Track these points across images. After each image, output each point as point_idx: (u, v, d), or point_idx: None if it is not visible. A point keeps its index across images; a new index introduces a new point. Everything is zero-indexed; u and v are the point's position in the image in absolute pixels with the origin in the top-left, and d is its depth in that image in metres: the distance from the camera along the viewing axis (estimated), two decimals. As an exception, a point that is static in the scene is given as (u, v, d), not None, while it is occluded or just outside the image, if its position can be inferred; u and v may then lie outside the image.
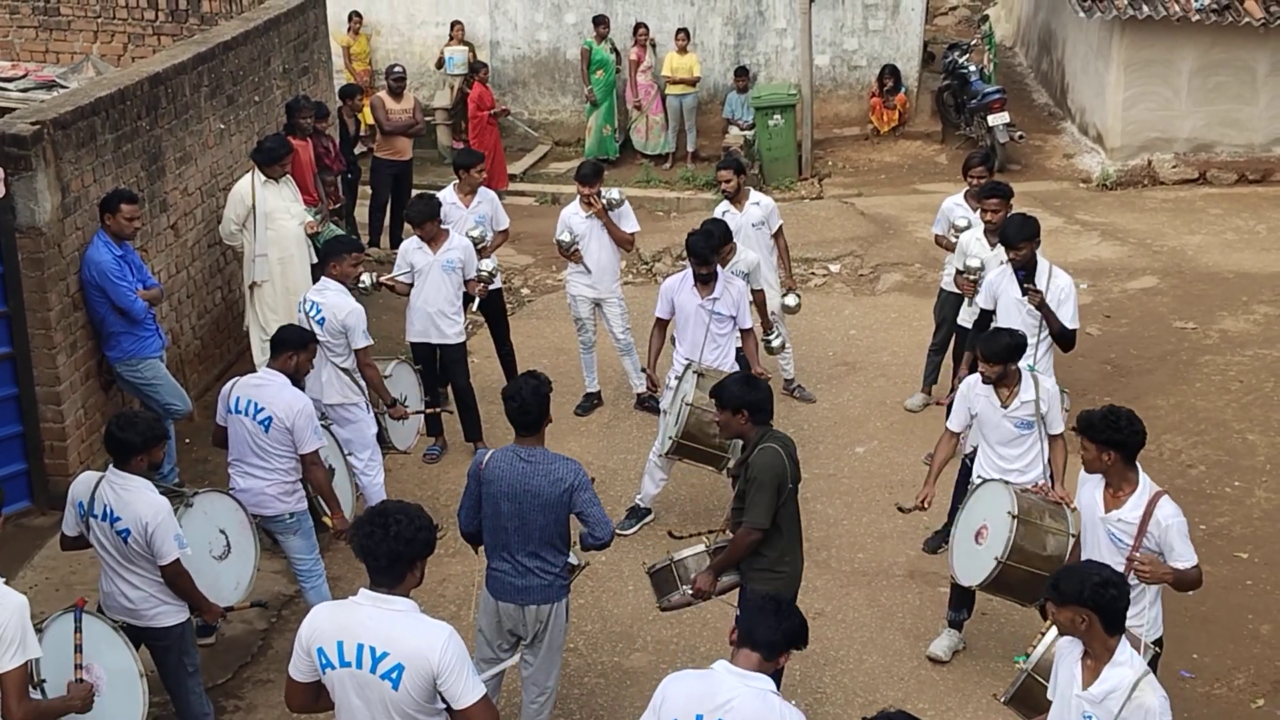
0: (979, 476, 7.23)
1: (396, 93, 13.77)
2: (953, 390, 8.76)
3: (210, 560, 6.47)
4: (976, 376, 7.25)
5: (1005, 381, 7.07)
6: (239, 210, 9.63)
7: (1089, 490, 6.01)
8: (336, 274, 8.14)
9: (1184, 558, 5.78)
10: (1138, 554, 5.77)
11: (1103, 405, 5.99)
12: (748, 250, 9.33)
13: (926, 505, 7.33)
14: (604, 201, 9.76)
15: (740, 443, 7.76)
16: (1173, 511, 5.80)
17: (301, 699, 4.76)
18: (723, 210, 9.86)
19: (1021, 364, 7.28)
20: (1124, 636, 4.90)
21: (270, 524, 7.12)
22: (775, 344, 9.56)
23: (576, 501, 5.99)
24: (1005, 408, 7.07)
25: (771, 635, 4.59)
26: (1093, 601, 4.75)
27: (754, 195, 9.95)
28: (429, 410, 9.00)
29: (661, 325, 8.76)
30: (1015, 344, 7.09)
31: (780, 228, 9.99)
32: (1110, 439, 5.78)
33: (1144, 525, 5.79)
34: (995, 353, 7.01)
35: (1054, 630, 5.86)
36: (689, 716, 4.51)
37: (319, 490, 7.06)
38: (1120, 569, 5.80)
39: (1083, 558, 6.06)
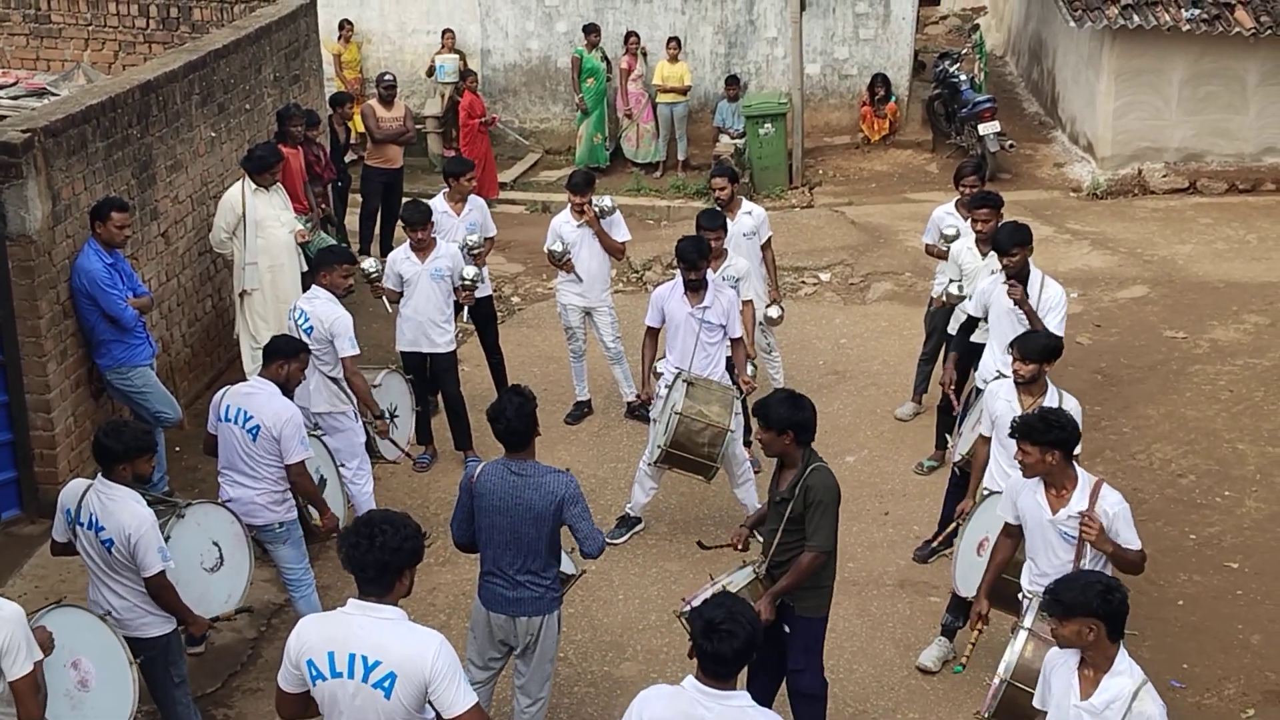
0: (986, 489, 7.23)
1: (387, 101, 13.76)
2: (945, 393, 8.78)
3: (200, 572, 6.45)
4: (1002, 383, 7.23)
5: (1032, 389, 7.03)
6: (229, 218, 9.62)
7: (1028, 497, 6.07)
8: (326, 284, 8.12)
9: (1131, 543, 5.92)
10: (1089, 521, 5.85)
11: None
12: (739, 257, 9.32)
13: (961, 513, 7.31)
14: (596, 209, 9.75)
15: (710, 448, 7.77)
16: (1117, 500, 5.94)
17: (291, 709, 4.75)
18: None
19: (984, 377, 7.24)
20: (1122, 645, 4.90)
21: (260, 533, 7.09)
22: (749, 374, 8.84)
23: (568, 515, 5.98)
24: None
25: (724, 662, 4.42)
26: (1102, 610, 4.74)
27: (746, 205, 9.93)
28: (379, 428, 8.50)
29: (653, 334, 8.74)
30: (1052, 345, 7.10)
31: (770, 239, 9.98)
32: (1055, 439, 5.89)
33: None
34: (1032, 351, 6.97)
35: (1021, 634, 5.85)
36: None
37: (306, 496, 7.05)
38: (1073, 566, 5.86)
39: (1036, 563, 6.11)
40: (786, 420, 6.08)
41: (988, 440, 7.30)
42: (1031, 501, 6.05)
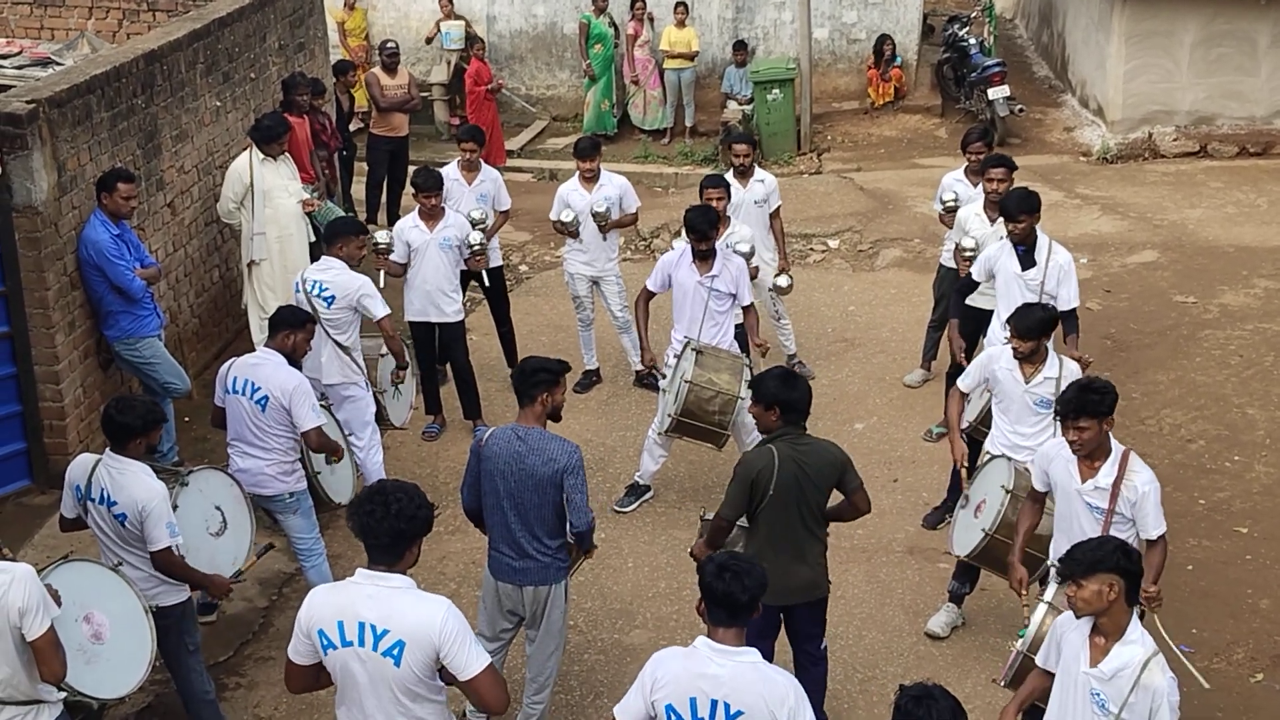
0: (988, 452, 7.23)
1: (390, 68, 13.69)
2: (953, 363, 8.78)
3: (207, 537, 6.48)
4: (1004, 349, 7.20)
5: (1031, 357, 7.01)
6: (237, 188, 9.60)
7: (1060, 466, 6.00)
8: (343, 255, 8.10)
9: (1155, 526, 5.84)
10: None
11: (1103, 380, 6.00)
12: (742, 225, 9.29)
13: (963, 463, 7.29)
14: (598, 219, 9.67)
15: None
16: (1149, 478, 5.86)
17: (301, 681, 4.78)
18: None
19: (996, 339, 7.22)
20: (1135, 614, 4.87)
21: (270, 503, 7.14)
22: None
23: (565, 484, 5.98)
24: (1027, 383, 7.02)
25: (737, 605, 4.50)
26: (1122, 564, 4.70)
27: (759, 172, 9.90)
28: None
29: (648, 297, 8.70)
30: (1048, 318, 7.04)
31: (779, 208, 9.95)
32: (1110, 405, 5.81)
33: (1117, 487, 5.83)
34: (1029, 328, 6.91)
35: (1041, 607, 5.84)
36: (683, 701, 4.49)
37: (325, 449, 7.08)
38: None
39: (1059, 534, 6.09)
40: (773, 396, 6.05)
41: (963, 395, 7.35)
42: (1064, 470, 5.98)
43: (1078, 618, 4.88)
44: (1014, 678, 5.73)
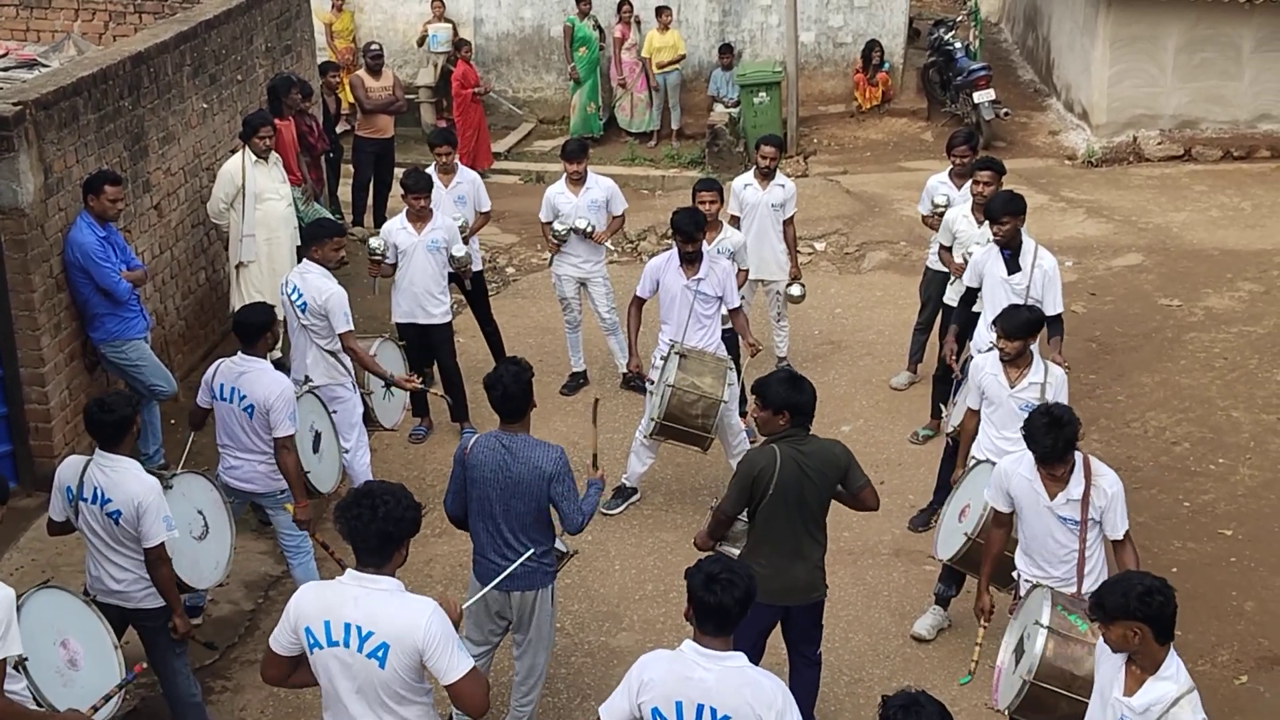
0: (974, 458, 7.25)
1: (375, 70, 13.68)
2: (941, 367, 8.80)
3: (191, 541, 6.49)
4: (987, 356, 7.22)
5: (1016, 361, 7.02)
6: (229, 189, 9.57)
7: (1021, 483, 6.00)
8: (319, 257, 8.07)
9: (1123, 524, 5.91)
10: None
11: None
12: (733, 230, 9.33)
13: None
14: (579, 234, 9.74)
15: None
16: (1114, 479, 5.93)
17: (278, 670, 4.78)
18: (744, 183, 9.85)
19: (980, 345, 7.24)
20: (1172, 649, 4.76)
21: (261, 499, 7.21)
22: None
23: (552, 491, 5.96)
24: (1012, 387, 7.04)
25: (727, 615, 4.50)
26: (1141, 612, 4.62)
27: (779, 176, 9.89)
28: (414, 388, 8.74)
29: (638, 304, 8.71)
30: (1034, 319, 7.06)
31: (793, 215, 9.96)
32: (1075, 437, 5.82)
33: (1088, 496, 5.86)
34: (1015, 328, 6.92)
35: (1039, 640, 5.74)
36: (668, 704, 4.49)
37: (287, 476, 7.04)
38: (1074, 549, 5.84)
39: (1031, 550, 6.09)
40: (784, 400, 6.00)
41: (975, 413, 7.32)
42: (1026, 488, 5.98)
43: (1114, 652, 4.81)
44: (1021, 705, 5.58)
